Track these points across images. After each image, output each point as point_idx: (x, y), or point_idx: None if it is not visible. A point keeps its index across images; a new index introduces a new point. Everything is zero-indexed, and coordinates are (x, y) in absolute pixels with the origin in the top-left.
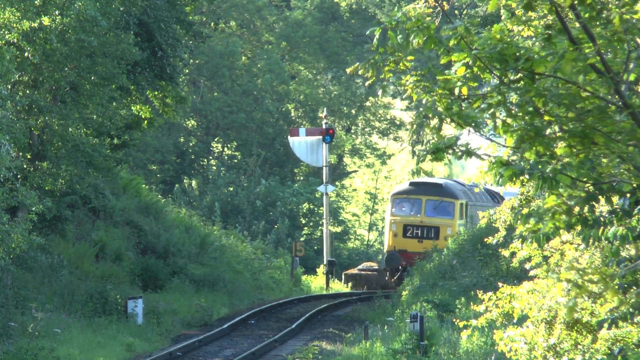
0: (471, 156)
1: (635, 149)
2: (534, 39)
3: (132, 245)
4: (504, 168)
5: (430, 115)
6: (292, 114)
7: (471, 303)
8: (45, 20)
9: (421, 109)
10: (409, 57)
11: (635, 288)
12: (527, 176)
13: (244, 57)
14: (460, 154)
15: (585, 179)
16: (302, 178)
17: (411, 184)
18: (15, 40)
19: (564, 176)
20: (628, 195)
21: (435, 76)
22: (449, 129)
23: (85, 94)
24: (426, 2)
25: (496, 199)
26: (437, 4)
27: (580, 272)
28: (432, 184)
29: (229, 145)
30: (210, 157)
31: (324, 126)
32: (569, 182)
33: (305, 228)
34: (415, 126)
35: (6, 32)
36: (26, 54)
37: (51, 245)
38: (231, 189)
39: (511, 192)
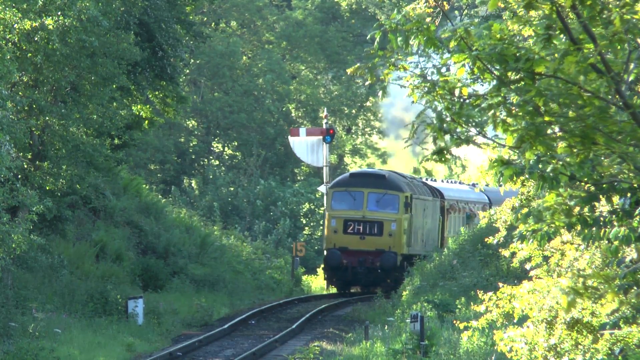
0: (469, 144)
1: (635, 149)
2: (534, 39)
3: (133, 245)
4: (505, 167)
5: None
6: (293, 114)
7: (471, 303)
8: (48, 21)
9: (420, 111)
10: (409, 58)
11: (635, 289)
12: (527, 176)
13: (244, 57)
14: (459, 141)
15: (585, 179)
16: (302, 178)
17: (352, 175)
18: (16, 40)
19: (563, 175)
20: (628, 195)
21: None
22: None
23: (85, 94)
24: (426, 2)
25: (435, 194)
26: (437, 4)
27: (582, 277)
28: (374, 175)
29: (229, 145)
30: (211, 157)
31: (324, 126)
32: (566, 179)
33: (306, 228)
34: (415, 126)
35: (7, 32)
36: (28, 55)
37: (51, 245)
38: (232, 188)
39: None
